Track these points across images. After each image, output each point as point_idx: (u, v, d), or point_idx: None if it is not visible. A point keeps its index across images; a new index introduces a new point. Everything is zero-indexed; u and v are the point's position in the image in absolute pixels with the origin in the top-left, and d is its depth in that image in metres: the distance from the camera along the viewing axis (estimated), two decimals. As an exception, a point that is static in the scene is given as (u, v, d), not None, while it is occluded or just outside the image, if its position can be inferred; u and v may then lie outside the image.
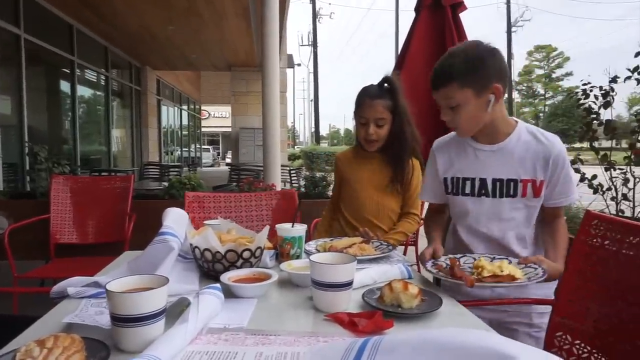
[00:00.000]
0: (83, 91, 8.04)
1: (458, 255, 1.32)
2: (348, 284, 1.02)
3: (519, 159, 1.32)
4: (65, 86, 7.40)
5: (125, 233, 2.96)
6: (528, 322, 1.37)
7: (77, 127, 7.49)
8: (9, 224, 3.15)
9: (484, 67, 1.24)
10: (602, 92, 2.62)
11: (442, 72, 1.27)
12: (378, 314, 0.93)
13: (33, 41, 5.95)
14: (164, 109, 13.72)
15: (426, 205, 1.90)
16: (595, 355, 1.13)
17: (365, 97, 1.81)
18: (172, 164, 12.99)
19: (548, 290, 1.36)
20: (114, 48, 9.19)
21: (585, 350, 1.15)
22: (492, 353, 0.60)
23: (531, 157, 1.32)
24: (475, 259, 1.26)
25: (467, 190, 1.40)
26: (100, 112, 9.05)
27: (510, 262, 1.21)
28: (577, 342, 1.18)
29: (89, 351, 0.74)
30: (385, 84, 1.83)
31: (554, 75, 49.13)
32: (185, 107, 17.47)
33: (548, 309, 1.34)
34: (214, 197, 2.18)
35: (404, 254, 2.65)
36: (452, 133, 1.48)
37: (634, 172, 2.45)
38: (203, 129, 27.69)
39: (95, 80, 8.74)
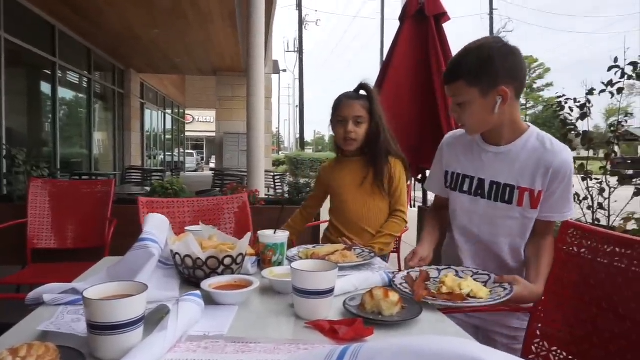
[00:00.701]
0: (64, 93, 7.90)
1: (441, 267, 1.32)
2: (329, 291, 1.02)
3: (521, 166, 1.30)
4: (46, 88, 7.26)
5: (105, 238, 2.91)
6: (507, 334, 1.38)
7: (57, 130, 7.35)
8: (-16, 228, 3.07)
9: (492, 67, 1.21)
10: (578, 104, 2.68)
11: (452, 68, 1.27)
12: (358, 321, 0.93)
13: (13, 41, 5.84)
14: (147, 112, 13.57)
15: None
16: (571, 361, 1.15)
17: (343, 98, 1.87)
18: (155, 168, 12.83)
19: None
20: (97, 50, 9.07)
21: (562, 356, 1.17)
22: (463, 357, 0.61)
23: (533, 164, 1.29)
24: (457, 273, 1.27)
25: (465, 187, 1.39)
26: (82, 114, 8.91)
27: (486, 281, 1.20)
28: (554, 348, 1.20)
29: (64, 360, 0.72)
30: (362, 90, 1.89)
31: (535, 86, 50.17)
32: (169, 111, 17.31)
33: (518, 324, 1.37)
34: (167, 202, 2.17)
35: (387, 261, 2.66)
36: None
37: (609, 182, 2.52)
38: (187, 134, 27.49)
39: (77, 83, 8.60)
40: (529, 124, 1.34)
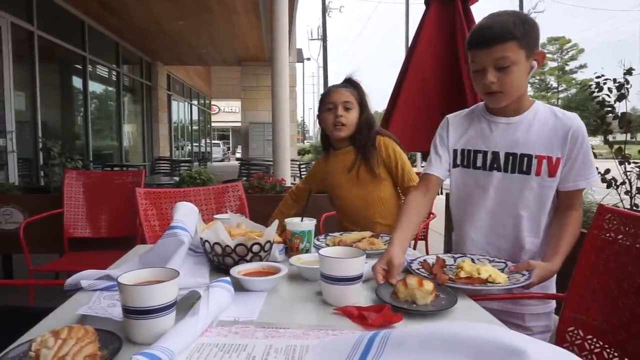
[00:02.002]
0: (95, 87, 8.12)
1: (457, 255, 1.31)
2: (357, 278, 1.02)
3: (536, 134, 1.28)
4: (77, 82, 7.48)
5: (137, 227, 2.99)
6: (520, 324, 1.34)
7: (89, 123, 7.57)
8: (24, 218, 3.21)
9: (535, 30, 1.23)
10: (617, 84, 2.57)
11: (501, 29, 1.20)
12: (387, 307, 0.93)
13: (46, 38, 6.01)
14: (174, 104, 13.79)
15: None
16: (608, 350, 1.12)
17: (331, 87, 1.91)
18: (183, 158, 13.06)
19: (548, 283, 1.32)
20: (125, 43, 9.25)
21: (598, 345, 1.14)
22: (501, 346, 0.60)
23: (548, 132, 1.27)
24: (473, 260, 1.26)
25: (479, 163, 1.36)
26: (111, 107, 9.13)
27: (503, 268, 1.20)
28: (589, 337, 1.17)
29: (101, 342, 0.75)
30: (351, 81, 1.92)
31: (567, 68, 48.38)
32: (195, 102, 17.54)
33: (544, 310, 1.34)
34: (165, 192, 2.21)
35: (414, 248, 2.64)
36: (465, 109, 1.46)
37: (648, 165, 2.41)
38: (213, 124, 27.78)
39: (106, 76, 8.81)
40: (532, 99, 1.34)
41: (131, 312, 0.80)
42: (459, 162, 1.41)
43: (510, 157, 1.30)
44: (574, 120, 1.27)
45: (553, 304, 1.37)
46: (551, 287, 1.34)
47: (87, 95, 7.54)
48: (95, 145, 7.90)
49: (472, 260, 1.26)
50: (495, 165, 1.33)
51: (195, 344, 0.81)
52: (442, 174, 1.44)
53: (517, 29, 1.19)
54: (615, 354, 1.09)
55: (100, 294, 1.06)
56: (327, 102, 1.86)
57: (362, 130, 1.85)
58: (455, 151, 1.42)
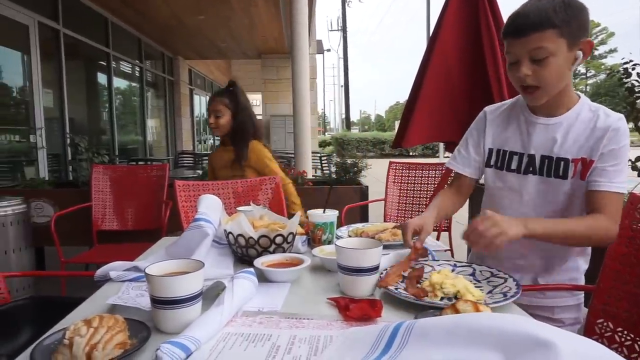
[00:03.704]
0: (119, 83, 8.27)
1: (462, 263, 1.20)
2: (373, 269, 1.02)
3: (575, 137, 1.18)
4: (102, 78, 7.63)
5: (162, 220, 3.05)
6: (549, 317, 1.29)
7: (114, 118, 7.73)
8: (55, 211, 3.31)
9: (582, 15, 1.09)
10: (647, 69, 2.48)
11: (538, 15, 1.07)
12: (378, 302, 0.91)
13: (71, 35, 6.15)
14: (196, 98, 13.95)
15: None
16: (639, 343, 1.09)
17: (212, 95, 2.39)
18: (206, 152, 13.22)
19: (576, 274, 1.28)
20: (147, 39, 9.38)
21: (629, 338, 1.11)
22: (528, 337, 0.59)
23: (589, 134, 1.16)
24: (453, 269, 1.16)
25: (513, 166, 1.27)
26: (135, 102, 9.30)
27: (488, 277, 1.09)
28: (620, 329, 1.14)
29: (131, 331, 0.77)
30: (230, 87, 2.38)
31: (596, 53, 46.78)
32: (217, 96, 17.68)
33: (574, 302, 1.30)
34: (203, 185, 2.23)
35: (437, 239, 2.62)
36: (507, 101, 1.35)
37: (682, 152, 2.32)
38: (234, 117, 27.96)
39: (130, 72, 8.97)
40: (579, 93, 1.23)
41: (159, 302, 0.82)
42: (492, 162, 1.33)
43: (546, 160, 1.21)
44: (616, 121, 1.15)
45: (582, 295, 1.32)
46: (580, 278, 1.30)
47: (112, 91, 7.70)
48: (121, 140, 8.06)
49: (453, 269, 1.16)
50: (530, 169, 1.24)
51: (220, 334, 0.83)
52: (475, 174, 1.38)
53: (558, 15, 1.06)
54: (647, 347, 1.06)
55: (128, 285, 1.09)
56: (207, 108, 2.38)
57: (237, 133, 2.32)
58: (490, 150, 1.33)
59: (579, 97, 1.22)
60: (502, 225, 1.01)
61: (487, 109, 1.39)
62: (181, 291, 0.81)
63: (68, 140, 5.72)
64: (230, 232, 1.26)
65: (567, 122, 1.19)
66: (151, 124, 10.13)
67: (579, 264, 1.29)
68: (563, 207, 1.21)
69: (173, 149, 11.30)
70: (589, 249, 1.30)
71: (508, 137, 1.30)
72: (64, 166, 5.88)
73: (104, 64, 7.56)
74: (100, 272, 1.15)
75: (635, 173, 2.49)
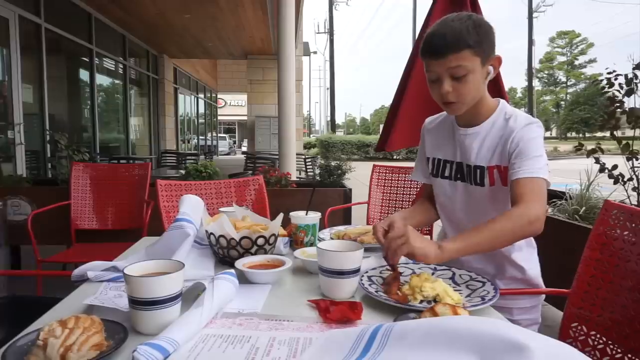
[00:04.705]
0: (102, 80, 8.15)
1: (440, 267, 1.21)
2: (354, 272, 1.02)
3: (489, 145, 1.25)
4: (84, 75, 7.51)
5: (143, 219, 3.01)
6: (509, 318, 1.29)
7: (96, 115, 7.61)
8: (32, 209, 3.24)
9: (490, 35, 1.19)
10: (626, 79, 2.54)
11: (454, 37, 1.14)
12: (359, 304, 0.92)
13: (53, 30, 6.03)
14: (180, 97, 13.82)
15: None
16: (611, 346, 1.12)
17: None
18: (189, 152, 13.11)
19: (529, 275, 1.32)
20: (132, 36, 9.27)
21: (601, 341, 1.14)
22: (504, 340, 0.60)
23: (500, 142, 1.23)
24: (434, 272, 1.18)
25: (447, 173, 1.36)
26: (118, 100, 9.17)
27: (467, 281, 1.12)
28: (593, 333, 1.17)
29: (108, 332, 0.76)
30: None
31: (576, 62, 47.86)
32: (201, 95, 17.57)
33: (532, 303, 1.33)
34: (185, 185, 2.21)
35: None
36: (443, 113, 1.41)
37: (656, 162, 2.39)
38: (219, 118, 27.84)
39: (113, 69, 8.84)
40: (499, 99, 1.29)
41: (137, 303, 0.81)
42: (430, 170, 1.42)
43: (467, 169, 1.29)
44: (521, 123, 1.21)
45: (542, 297, 1.37)
46: (532, 280, 1.33)
47: (94, 88, 7.57)
48: (102, 138, 7.94)
49: (433, 272, 1.18)
50: (459, 176, 1.32)
51: (199, 335, 0.82)
52: (426, 179, 1.47)
53: (471, 36, 1.14)
54: (619, 350, 1.09)
55: (106, 285, 1.08)
56: None
57: None
58: (428, 159, 1.43)
59: (497, 105, 1.28)
60: (411, 243, 1.02)
61: (427, 120, 1.48)
62: (160, 292, 0.81)
63: (47, 137, 5.62)
64: (211, 233, 1.25)
65: (484, 131, 1.27)
66: (134, 122, 10.00)
67: (530, 267, 1.33)
68: (491, 214, 1.21)
69: (156, 148, 11.17)
70: (530, 254, 1.34)
71: (441, 146, 1.38)
72: (42, 163, 5.76)
73: (87, 60, 7.44)
74: (77, 271, 1.13)
75: (612, 181, 2.56)
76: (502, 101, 1.30)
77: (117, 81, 9.07)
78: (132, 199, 3.17)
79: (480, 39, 1.16)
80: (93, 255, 1.37)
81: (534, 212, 1.09)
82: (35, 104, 5.74)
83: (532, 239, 1.34)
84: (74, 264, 2.67)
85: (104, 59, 8.20)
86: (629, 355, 1.06)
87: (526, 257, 1.33)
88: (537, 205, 1.10)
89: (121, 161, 7.48)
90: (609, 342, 1.12)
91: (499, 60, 1.22)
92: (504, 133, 1.23)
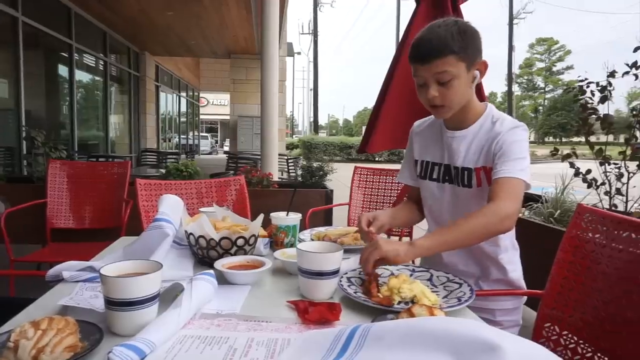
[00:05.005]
0: (81, 76, 7.99)
1: (419, 269, 1.24)
2: (333, 273, 1.03)
3: (476, 148, 1.28)
4: (63, 70, 7.35)
5: (122, 219, 2.97)
6: (491, 319, 1.35)
7: (74, 112, 7.45)
8: (6, 208, 3.16)
9: (476, 40, 1.21)
10: (599, 87, 2.62)
11: (439, 43, 1.17)
12: (335, 305, 0.93)
13: (31, 24, 5.89)
14: (162, 95, 13.65)
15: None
16: (582, 345, 1.15)
17: None
18: (170, 150, 12.95)
19: (512, 278, 1.36)
20: (113, 33, 9.11)
21: (572, 341, 1.17)
22: (478, 340, 0.62)
23: (485, 143, 1.27)
24: (412, 273, 1.19)
25: (435, 175, 1.38)
26: (98, 97, 9.01)
27: (444, 282, 1.14)
28: (565, 332, 1.19)
29: (82, 334, 0.75)
30: None
31: (554, 69, 48.97)
32: (184, 94, 17.38)
33: (514, 305, 1.37)
34: (165, 184, 2.19)
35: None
36: (431, 116, 1.44)
37: (628, 167, 2.46)
38: (202, 117, 27.60)
39: (93, 65, 8.68)
40: (487, 103, 1.32)
41: (113, 304, 0.80)
42: (418, 172, 1.44)
43: (455, 170, 1.32)
44: (507, 126, 1.25)
45: (523, 299, 1.40)
46: (516, 282, 1.37)
47: (73, 84, 7.42)
48: (81, 136, 7.78)
49: (412, 274, 1.19)
50: (447, 178, 1.35)
51: (177, 336, 0.81)
52: (413, 182, 1.49)
53: (455, 42, 1.17)
54: (589, 350, 1.12)
55: (82, 285, 1.06)
56: None
57: None
58: (416, 162, 1.45)
59: (485, 108, 1.32)
60: (381, 246, 1.06)
61: (415, 123, 1.50)
62: (137, 292, 0.80)
63: (24, 134, 5.48)
64: (191, 233, 1.24)
65: (472, 134, 1.30)
66: (114, 119, 9.83)
67: (514, 269, 1.37)
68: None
69: (136, 147, 11.00)
70: (513, 255, 1.38)
71: (429, 149, 1.41)
72: (18, 160, 5.61)
73: (66, 55, 7.28)
74: (52, 271, 1.11)
75: (585, 185, 2.63)
76: (490, 105, 1.33)
77: (97, 78, 8.91)
78: (110, 198, 3.12)
79: (465, 44, 1.18)
80: (69, 255, 1.34)
81: (505, 210, 1.12)
82: (11, 99, 5.59)
83: (515, 241, 1.38)
84: (49, 263, 2.61)
85: (84, 55, 8.04)
86: (599, 355, 1.09)
87: (510, 259, 1.36)
88: (509, 204, 1.14)
89: (100, 159, 7.35)
90: (580, 341, 1.15)
91: (484, 65, 1.25)
92: (490, 136, 1.26)
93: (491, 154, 1.24)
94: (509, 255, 1.36)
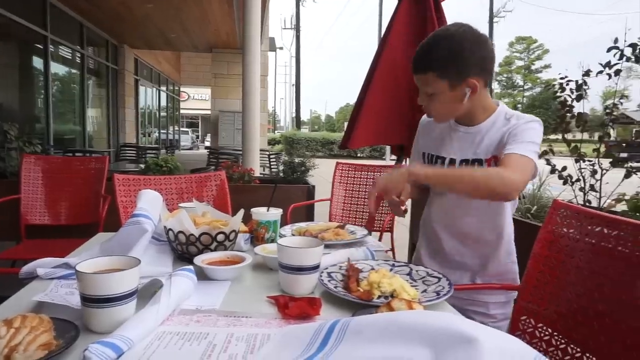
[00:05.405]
0: (57, 68, 7.78)
1: (398, 263, 1.24)
2: (314, 268, 1.03)
3: (488, 142, 1.30)
4: (37, 62, 7.14)
5: (99, 215, 2.91)
6: (485, 312, 1.39)
7: (50, 106, 7.25)
8: (-22, 203, 3.06)
9: (462, 60, 1.20)
10: (576, 85, 2.68)
11: (422, 59, 1.23)
12: (315, 300, 0.93)
13: (3, 14, 5.70)
14: (142, 89, 13.41)
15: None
16: (556, 337, 1.18)
17: None
18: (150, 145, 12.76)
19: (510, 274, 1.41)
20: (90, 24, 8.89)
21: (547, 333, 1.20)
22: (454, 333, 0.63)
23: (499, 137, 1.28)
24: (392, 268, 1.20)
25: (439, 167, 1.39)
26: (75, 90, 8.79)
27: (423, 277, 1.15)
28: (540, 325, 1.22)
29: (57, 331, 0.73)
30: None
31: (533, 67, 49.88)
32: (164, 88, 17.11)
33: (507, 298, 1.40)
34: (144, 179, 2.17)
35: (379, 240, 2.69)
36: None
37: (601, 164, 2.53)
38: (182, 111, 27.24)
39: (70, 58, 8.46)
40: (498, 102, 1.34)
41: (89, 301, 0.79)
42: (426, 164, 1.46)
43: (463, 163, 1.34)
44: (522, 120, 1.26)
45: (515, 293, 1.43)
46: (515, 279, 1.41)
47: (49, 76, 7.22)
48: (57, 130, 7.59)
49: (392, 268, 1.20)
50: None
51: (155, 332, 0.81)
52: None
53: (439, 61, 1.19)
54: (563, 341, 1.15)
55: (57, 283, 1.04)
56: None
57: None
58: (423, 154, 1.46)
59: (497, 106, 1.33)
60: (377, 182, 1.15)
61: (423, 117, 1.52)
62: (114, 289, 0.78)
63: (-4, 127, 5.31)
64: (170, 229, 1.22)
65: (484, 129, 1.32)
66: (92, 113, 9.61)
67: (512, 265, 1.41)
68: (481, 204, 1.33)
69: (115, 141, 10.79)
70: (514, 250, 1.41)
71: (435, 142, 1.43)
72: (-10, 155, 5.44)
73: (41, 47, 7.07)
74: (26, 268, 1.09)
75: (561, 181, 2.69)
76: (502, 103, 1.34)
77: (74, 71, 8.69)
78: (87, 193, 3.05)
79: (450, 62, 1.19)
80: (44, 252, 1.31)
81: (510, 177, 1.11)
82: (-17, 92, 5.42)
83: (512, 236, 1.40)
84: (23, 261, 2.54)
85: (60, 47, 7.83)
86: (572, 346, 1.12)
87: (510, 251, 1.40)
88: (516, 174, 1.12)
89: (77, 154, 7.19)
90: (555, 333, 1.18)
91: (474, 84, 1.22)
92: (504, 129, 1.27)
93: (504, 140, 1.24)
94: (511, 247, 1.40)
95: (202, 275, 1.09)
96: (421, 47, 1.25)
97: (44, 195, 3.02)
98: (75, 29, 8.50)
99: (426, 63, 1.22)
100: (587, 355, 1.08)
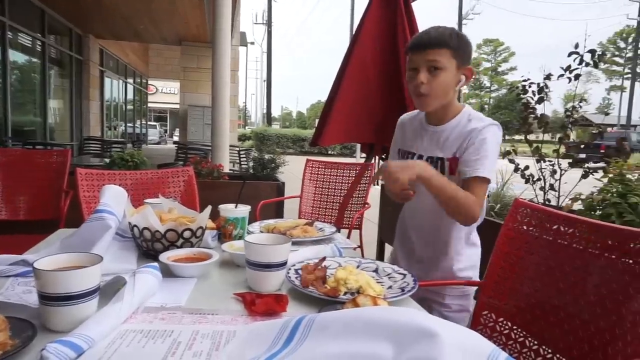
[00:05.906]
0: (16, 56, 7.44)
1: (365, 261, 1.26)
2: (281, 265, 1.04)
3: (452, 141, 1.39)
4: (-5, 50, 6.82)
5: (60, 210, 2.81)
6: (440, 301, 1.47)
7: (8, 96, 6.94)
8: None
9: (468, 48, 1.36)
10: (537, 88, 2.77)
11: (437, 37, 1.32)
12: (285, 297, 0.94)
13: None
14: (107, 81, 13.00)
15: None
16: (515, 331, 1.22)
17: None
18: (115, 139, 12.39)
19: (472, 272, 1.47)
20: (52, 12, 8.54)
21: (507, 326, 1.25)
22: (416, 328, 0.65)
23: (460, 138, 1.37)
24: (359, 265, 1.22)
25: None
26: (35, 80, 8.43)
27: (389, 274, 1.17)
28: (501, 319, 1.27)
29: (13, 331, 0.71)
30: None
31: (499, 69, 51.28)
32: (131, 80, 16.64)
33: (460, 292, 1.46)
34: (108, 174, 2.12)
35: (348, 237, 2.71)
36: (416, 111, 1.55)
37: (561, 164, 2.63)
38: (150, 105, 26.58)
39: (30, 46, 8.10)
40: (464, 104, 1.44)
41: (48, 299, 0.76)
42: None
43: (429, 160, 1.42)
44: (481, 123, 1.35)
45: (472, 288, 1.49)
46: (468, 269, 1.47)
47: (7, 65, 6.89)
48: (15, 121, 7.26)
49: (359, 265, 1.21)
50: None
51: (118, 331, 0.79)
52: None
53: (452, 40, 1.32)
54: (521, 335, 1.20)
55: (14, 280, 1.00)
56: None
57: None
58: (398, 150, 1.56)
59: (463, 108, 1.43)
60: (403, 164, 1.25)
61: (402, 116, 1.62)
62: (74, 287, 0.76)
63: (-52, 117, 5.04)
64: (135, 225, 1.20)
65: (449, 129, 1.41)
66: (53, 105, 9.25)
67: (459, 260, 1.46)
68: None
69: (78, 134, 10.43)
70: (468, 250, 1.48)
71: (408, 141, 1.53)
72: (-58, 146, 5.16)
73: (-2, 34, 6.75)
74: (-20, 266, 1.04)
75: (524, 180, 2.78)
76: (467, 105, 1.45)
77: (34, 60, 8.33)
78: (48, 188, 2.94)
79: (460, 46, 1.33)
80: (1, 249, 1.26)
81: (474, 211, 1.29)
82: None
83: (473, 237, 1.48)
84: (-22, 257, 2.43)
85: (19, 34, 7.48)
86: (530, 339, 1.17)
87: (460, 251, 1.46)
88: (477, 207, 1.30)
89: (37, 147, 6.90)
90: (514, 327, 1.23)
91: (470, 71, 1.38)
92: (466, 130, 1.37)
93: (464, 145, 1.35)
94: (460, 247, 1.46)
95: (168, 273, 1.07)
96: (433, 29, 1.36)
97: (0, 189, 2.89)
98: (36, 15, 8.14)
99: (443, 40, 1.31)
100: (544, 347, 1.13)
